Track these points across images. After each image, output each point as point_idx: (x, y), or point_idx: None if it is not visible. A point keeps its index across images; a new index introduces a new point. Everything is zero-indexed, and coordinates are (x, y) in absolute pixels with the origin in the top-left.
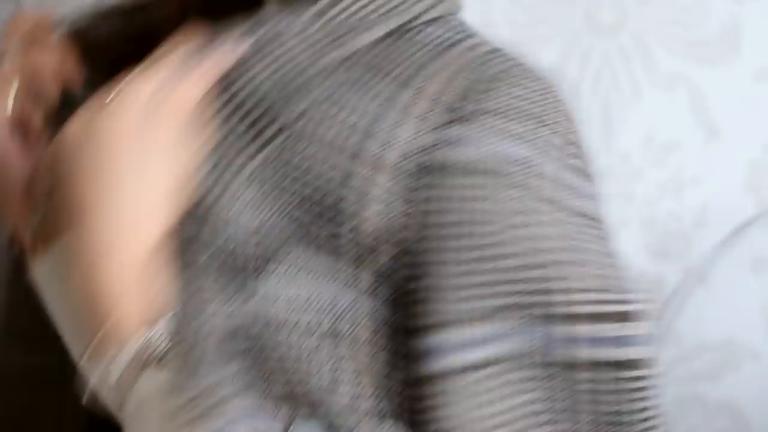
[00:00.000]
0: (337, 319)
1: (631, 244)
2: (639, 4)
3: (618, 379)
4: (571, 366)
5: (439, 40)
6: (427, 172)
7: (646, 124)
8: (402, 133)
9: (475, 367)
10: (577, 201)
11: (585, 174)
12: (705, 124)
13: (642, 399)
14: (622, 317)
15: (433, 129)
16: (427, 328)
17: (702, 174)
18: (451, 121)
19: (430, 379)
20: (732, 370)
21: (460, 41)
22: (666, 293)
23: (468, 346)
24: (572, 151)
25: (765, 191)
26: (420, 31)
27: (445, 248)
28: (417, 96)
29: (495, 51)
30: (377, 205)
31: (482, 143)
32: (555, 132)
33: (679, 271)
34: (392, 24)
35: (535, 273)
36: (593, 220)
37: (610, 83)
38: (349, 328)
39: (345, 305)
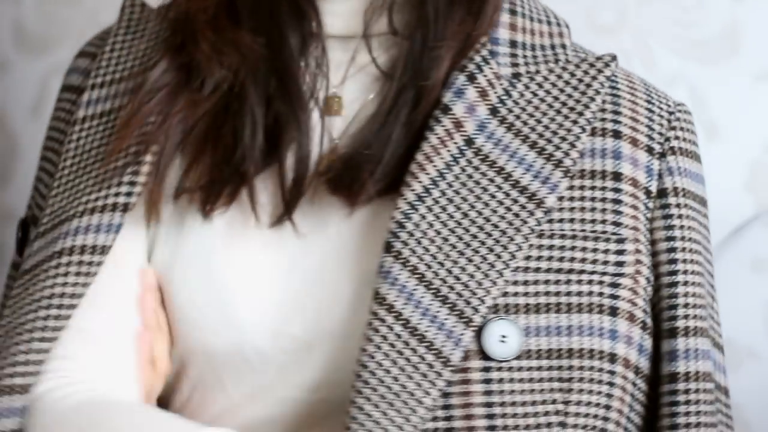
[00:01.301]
0: None
1: None
2: (639, 4)
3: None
4: (720, 389)
5: (582, 51)
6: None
7: None
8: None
9: (690, 377)
10: None
11: None
12: (705, 124)
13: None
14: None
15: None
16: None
17: None
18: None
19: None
20: (732, 370)
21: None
22: None
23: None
24: None
25: (765, 191)
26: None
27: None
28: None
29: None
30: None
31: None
32: None
33: None
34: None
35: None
36: None
37: None
38: None
39: None
